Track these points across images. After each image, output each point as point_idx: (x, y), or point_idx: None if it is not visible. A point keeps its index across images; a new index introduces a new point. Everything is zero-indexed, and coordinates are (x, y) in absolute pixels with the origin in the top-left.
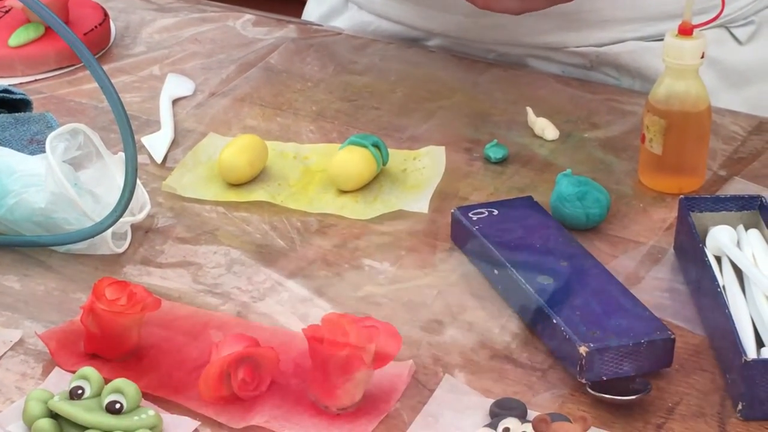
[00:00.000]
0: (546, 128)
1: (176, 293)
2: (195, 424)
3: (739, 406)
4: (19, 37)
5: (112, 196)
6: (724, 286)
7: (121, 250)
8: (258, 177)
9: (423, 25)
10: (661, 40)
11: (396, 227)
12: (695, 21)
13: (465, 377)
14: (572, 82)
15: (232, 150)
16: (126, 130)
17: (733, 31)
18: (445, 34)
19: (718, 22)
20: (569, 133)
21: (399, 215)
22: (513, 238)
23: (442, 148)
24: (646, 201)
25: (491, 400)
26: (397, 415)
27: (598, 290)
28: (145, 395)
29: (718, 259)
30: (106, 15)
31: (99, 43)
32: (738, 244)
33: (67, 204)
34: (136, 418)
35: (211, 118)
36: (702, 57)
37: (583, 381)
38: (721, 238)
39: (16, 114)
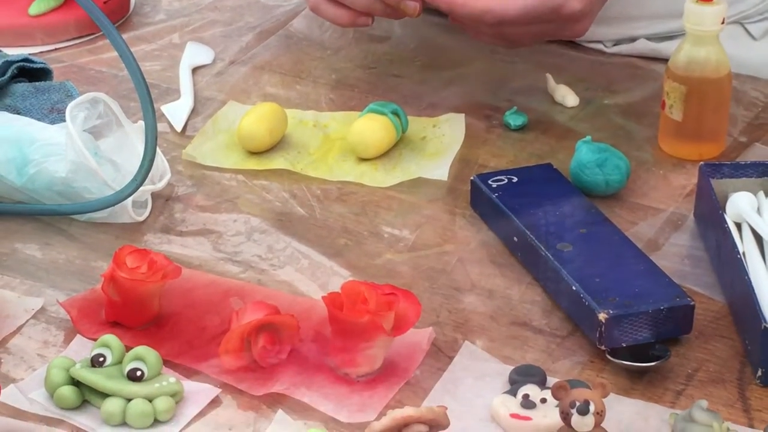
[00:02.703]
0: (566, 95)
1: (197, 261)
2: (216, 391)
3: (759, 373)
4: (39, 6)
5: (132, 165)
6: (744, 253)
7: (141, 219)
8: (277, 145)
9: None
10: (671, 38)
11: (416, 195)
12: None
13: (484, 344)
14: (591, 50)
15: (252, 118)
16: (146, 99)
17: (748, 27)
18: None
19: (733, 18)
20: (589, 99)
21: (418, 183)
22: (532, 205)
23: (462, 116)
24: (666, 167)
25: (510, 367)
26: (416, 382)
27: (618, 257)
28: (166, 363)
29: (738, 226)
30: None
31: (118, 11)
32: (758, 210)
33: (87, 173)
34: (157, 385)
35: (230, 87)
36: (722, 23)
37: (603, 348)
38: (741, 204)
39: (37, 83)
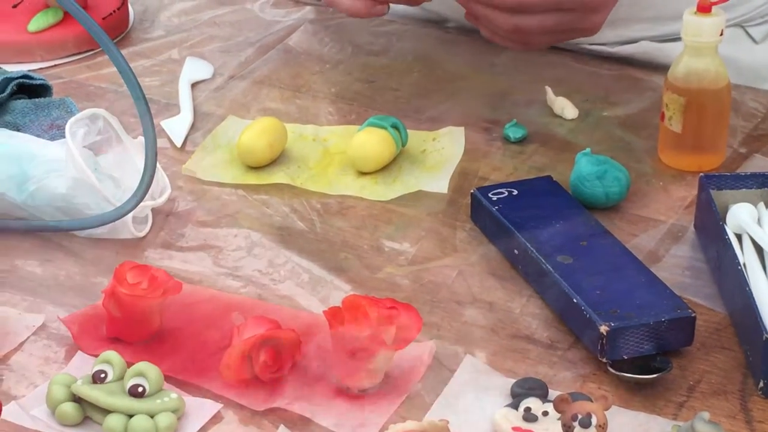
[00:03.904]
0: (565, 107)
1: (197, 276)
2: (217, 406)
3: (761, 384)
4: (38, 22)
5: (132, 181)
6: (744, 264)
7: (142, 234)
8: (277, 159)
9: (437, 9)
10: (675, 40)
11: (416, 208)
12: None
13: (486, 357)
14: (591, 61)
15: (252, 133)
16: (145, 115)
17: (749, 30)
18: (457, 21)
19: (734, 21)
20: (588, 111)
21: (419, 196)
22: (533, 217)
23: (461, 129)
24: (666, 179)
25: (512, 380)
26: (418, 395)
27: (618, 269)
28: (168, 378)
29: (739, 237)
30: None
31: (117, 27)
32: (758, 221)
33: (87, 189)
34: (158, 401)
35: (230, 101)
36: (721, 34)
37: (604, 360)
38: (742, 215)
39: (36, 99)
